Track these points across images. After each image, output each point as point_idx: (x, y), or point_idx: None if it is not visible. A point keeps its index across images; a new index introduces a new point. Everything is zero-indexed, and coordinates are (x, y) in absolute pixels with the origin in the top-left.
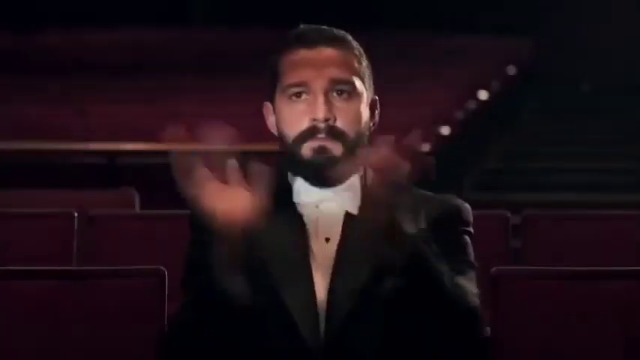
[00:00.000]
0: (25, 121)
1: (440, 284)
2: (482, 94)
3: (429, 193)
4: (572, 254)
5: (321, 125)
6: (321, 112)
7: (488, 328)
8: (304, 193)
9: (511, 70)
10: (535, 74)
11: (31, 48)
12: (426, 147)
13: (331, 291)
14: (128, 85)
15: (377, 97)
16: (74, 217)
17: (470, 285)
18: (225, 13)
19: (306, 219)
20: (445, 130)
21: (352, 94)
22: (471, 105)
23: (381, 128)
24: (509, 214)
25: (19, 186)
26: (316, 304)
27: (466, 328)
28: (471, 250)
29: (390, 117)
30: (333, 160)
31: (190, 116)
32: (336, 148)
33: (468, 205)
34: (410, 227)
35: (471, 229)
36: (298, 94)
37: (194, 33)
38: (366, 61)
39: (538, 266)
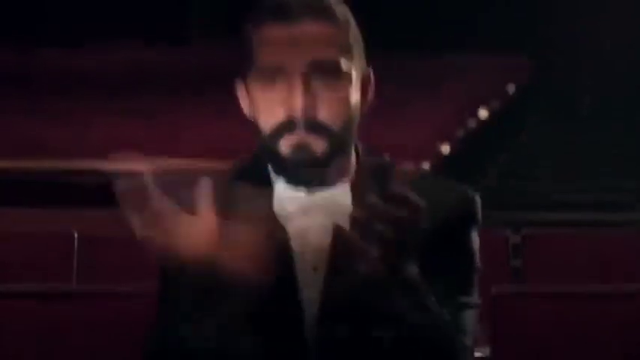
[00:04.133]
0: (25, 139)
1: (430, 329)
2: (482, 113)
3: (431, 178)
4: (572, 273)
5: (300, 119)
6: (299, 104)
7: (487, 348)
8: (286, 199)
9: (510, 87)
10: (535, 92)
11: (31, 65)
12: (426, 165)
13: (319, 327)
14: (128, 103)
15: (370, 70)
16: (74, 237)
17: (463, 322)
18: (225, 32)
19: (292, 242)
20: (445, 149)
21: (338, 76)
22: (471, 123)
23: (380, 149)
24: (509, 233)
25: (20, 204)
26: (305, 341)
27: None
28: (476, 260)
29: (390, 136)
30: (316, 159)
31: (190, 134)
32: (319, 145)
33: (478, 197)
34: (410, 264)
35: (479, 222)
36: (273, 79)
37: (193, 52)
38: (354, 29)
39: (538, 285)
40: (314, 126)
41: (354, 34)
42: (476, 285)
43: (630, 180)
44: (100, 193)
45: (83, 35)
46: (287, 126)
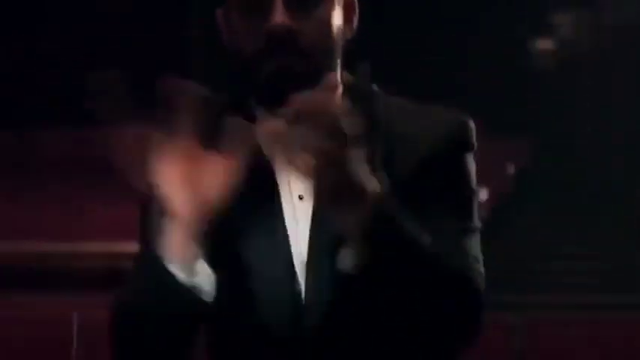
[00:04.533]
0: (25, 222)
1: (417, 256)
2: (483, 194)
3: (412, 105)
4: (574, 358)
5: (281, 35)
6: (279, 16)
7: None
8: (268, 126)
9: (510, 169)
10: (534, 175)
11: (30, 148)
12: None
13: (310, 255)
14: (128, 184)
15: None
16: (73, 322)
17: (466, 247)
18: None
19: (276, 171)
20: None
21: None
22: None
23: None
24: (510, 316)
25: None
26: (295, 270)
27: (460, 302)
28: (473, 184)
29: None
30: (298, 81)
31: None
32: (301, 66)
33: (471, 122)
34: (372, 181)
35: (475, 147)
36: (252, 3)
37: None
38: None
39: None
40: (297, 45)
41: None
42: (475, 209)
43: (633, 259)
44: (101, 275)
45: (82, 116)
46: (267, 44)
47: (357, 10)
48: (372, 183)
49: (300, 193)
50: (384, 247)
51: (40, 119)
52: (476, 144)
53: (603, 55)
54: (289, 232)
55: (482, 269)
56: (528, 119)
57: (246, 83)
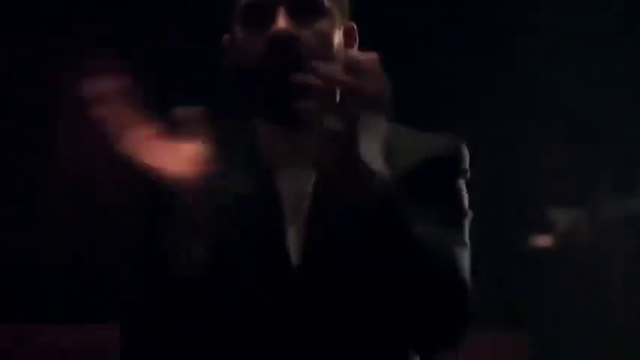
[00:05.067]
0: None
1: (412, 244)
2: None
3: (412, 130)
4: None
5: (283, 40)
6: (281, 23)
7: None
8: (268, 137)
9: None
10: None
11: (28, 346)
12: None
13: (305, 244)
14: None
15: (354, 25)
16: None
17: (457, 253)
18: None
19: (276, 182)
20: None
21: (320, 13)
22: None
23: None
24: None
25: None
26: (289, 257)
27: (449, 302)
28: (464, 205)
29: None
30: (298, 92)
31: None
32: (301, 76)
33: (465, 147)
34: (379, 166)
35: (468, 174)
36: (257, 17)
37: None
38: None
39: None
40: (296, 53)
41: None
42: (465, 228)
43: None
44: None
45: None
46: (270, 54)
47: (357, 40)
48: (380, 164)
49: (301, 197)
50: (381, 227)
51: (36, 317)
52: (469, 171)
53: (600, 250)
54: (287, 238)
55: (468, 279)
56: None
57: (247, 96)
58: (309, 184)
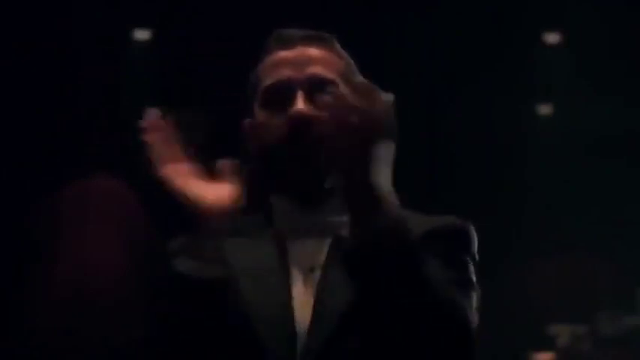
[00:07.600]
0: None
1: (430, 292)
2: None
3: (419, 213)
4: None
5: (301, 121)
6: (300, 105)
7: None
8: (287, 220)
9: None
10: None
11: None
12: None
13: (313, 316)
14: None
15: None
16: None
17: (466, 300)
18: None
19: (288, 246)
20: None
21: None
22: None
23: None
24: None
25: None
26: (295, 333)
27: (457, 345)
28: (472, 272)
29: None
30: (318, 170)
31: None
32: (319, 154)
33: (473, 228)
34: (390, 189)
35: (476, 257)
36: (276, 99)
37: None
38: (352, 65)
39: None
40: (314, 133)
41: (352, 68)
42: (472, 299)
43: None
44: None
45: None
46: (290, 135)
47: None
48: (389, 189)
49: (312, 266)
50: (384, 253)
51: None
52: (477, 256)
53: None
54: (294, 302)
55: (474, 318)
56: None
57: (267, 168)
58: (322, 255)
